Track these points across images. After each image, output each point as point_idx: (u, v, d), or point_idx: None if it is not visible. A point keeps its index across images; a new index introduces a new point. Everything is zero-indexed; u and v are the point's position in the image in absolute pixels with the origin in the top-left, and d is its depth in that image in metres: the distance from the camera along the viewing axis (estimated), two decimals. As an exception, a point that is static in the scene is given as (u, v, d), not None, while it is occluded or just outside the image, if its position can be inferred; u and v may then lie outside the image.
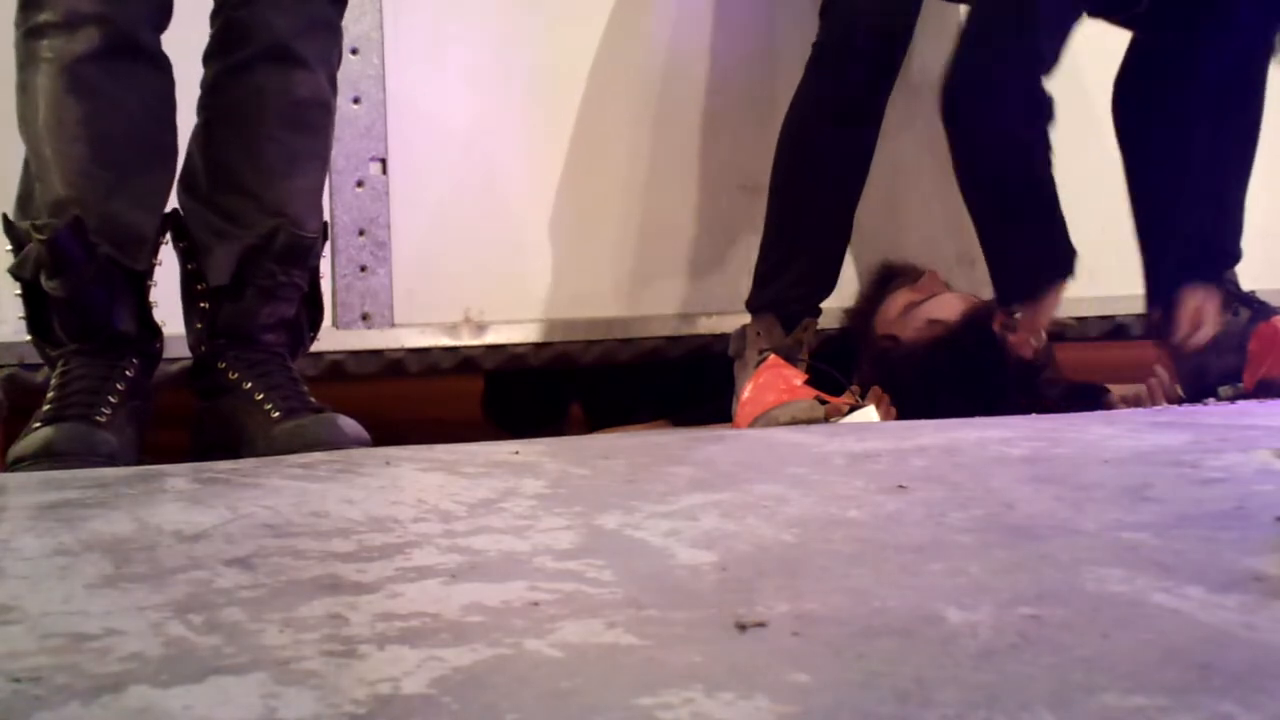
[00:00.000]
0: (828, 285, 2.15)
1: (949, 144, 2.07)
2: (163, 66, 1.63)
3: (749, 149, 2.36)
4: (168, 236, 1.70)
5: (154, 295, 1.67)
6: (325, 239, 1.76)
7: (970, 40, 2.06)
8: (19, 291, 1.64)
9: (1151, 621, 0.73)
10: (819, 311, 2.13)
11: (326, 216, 2.12)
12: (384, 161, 2.21)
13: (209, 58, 1.69)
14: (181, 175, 1.68)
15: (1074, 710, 0.59)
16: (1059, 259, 2.06)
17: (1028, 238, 2.06)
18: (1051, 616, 0.74)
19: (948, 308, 2.28)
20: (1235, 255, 2.38)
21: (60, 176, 1.56)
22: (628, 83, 2.36)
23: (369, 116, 2.20)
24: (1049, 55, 2.04)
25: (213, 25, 1.69)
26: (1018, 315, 2.08)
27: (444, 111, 2.27)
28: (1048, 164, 2.04)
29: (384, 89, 2.21)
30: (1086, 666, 0.65)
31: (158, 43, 1.62)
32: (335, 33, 1.72)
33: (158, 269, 1.68)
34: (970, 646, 0.69)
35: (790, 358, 2.05)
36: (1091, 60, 2.20)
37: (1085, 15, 2.10)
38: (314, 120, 1.70)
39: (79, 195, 1.56)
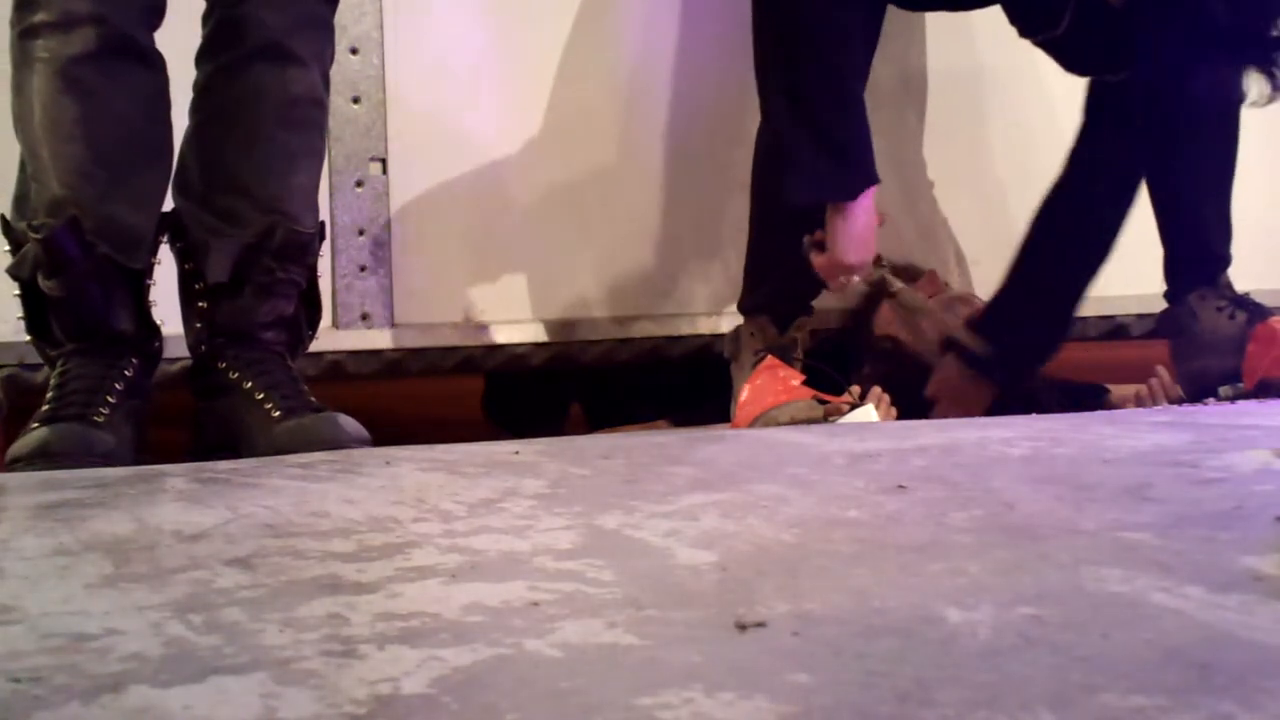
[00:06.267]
0: (818, 283, 2.14)
1: None
2: (157, 65, 1.63)
3: (750, 149, 2.35)
4: (166, 236, 1.69)
5: (153, 295, 1.67)
6: (322, 238, 1.76)
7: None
8: (18, 292, 1.64)
9: (1151, 621, 0.73)
10: (811, 310, 2.13)
11: (326, 216, 2.13)
12: (384, 161, 2.21)
13: (201, 58, 1.69)
14: (175, 177, 1.68)
15: (1074, 710, 0.59)
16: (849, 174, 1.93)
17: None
18: (1051, 616, 0.74)
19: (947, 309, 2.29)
20: (1227, 260, 2.38)
21: (56, 177, 1.56)
22: (628, 83, 2.36)
23: (369, 116, 2.20)
24: None
25: (204, 26, 1.69)
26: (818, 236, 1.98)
27: (444, 111, 2.26)
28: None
29: (384, 89, 2.21)
30: (1086, 666, 0.65)
31: (152, 41, 1.62)
32: (328, 29, 1.72)
33: (157, 269, 1.68)
34: (970, 646, 0.69)
35: (785, 357, 2.04)
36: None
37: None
38: (309, 118, 1.70)
39: (75, 195, 1.56)
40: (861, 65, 1.95)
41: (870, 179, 1.93)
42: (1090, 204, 2.19)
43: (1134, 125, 2.15)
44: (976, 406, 2.19)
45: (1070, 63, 2.15)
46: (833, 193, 1.93)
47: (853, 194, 1.92)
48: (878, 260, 2.09)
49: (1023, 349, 2.23)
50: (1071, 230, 2.20)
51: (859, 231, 1.94)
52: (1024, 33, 2.08)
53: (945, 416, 2.17)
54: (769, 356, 2.03)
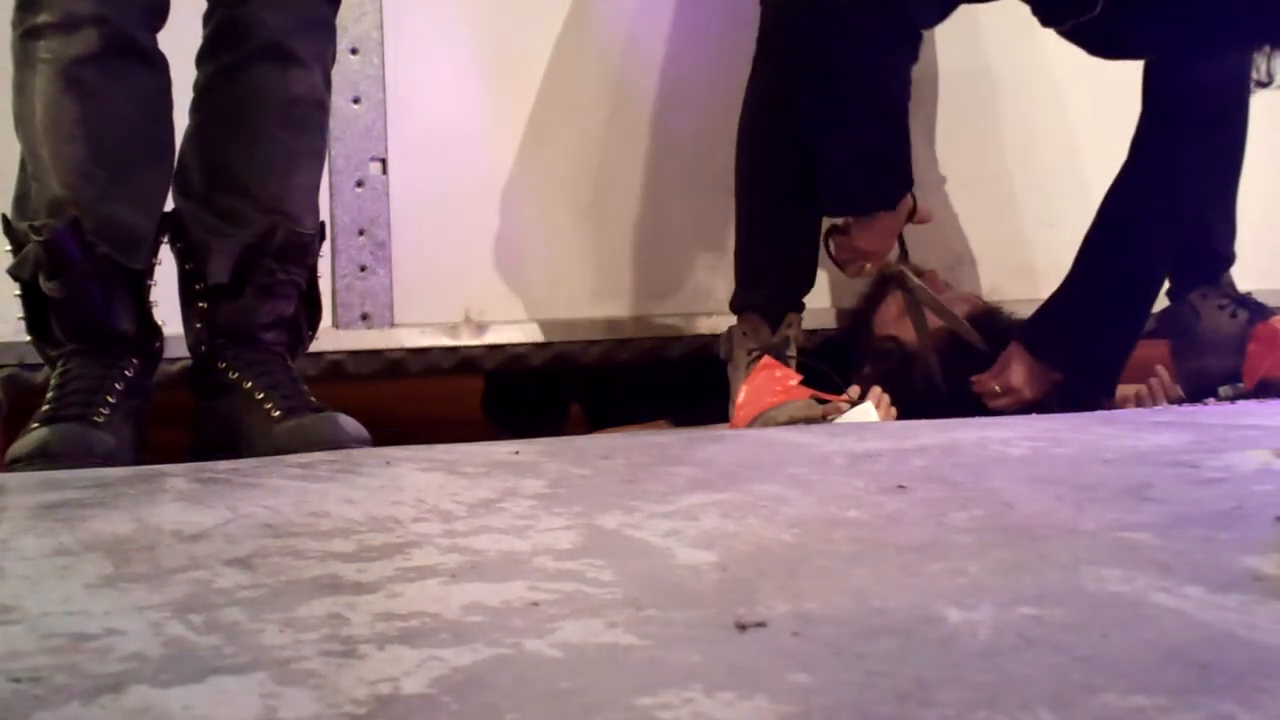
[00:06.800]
0: (807, 279, 2.13)
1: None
2: (160, 66, 1.63)
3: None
4: (167, 236, 1.70)
5: (154, 295, 1.67)
6: (323, 239, 1.76)
7: None
8: (19, 292, 1.64)
9: (1151, 621, 0.73)
10: (802, 306, 2.12)
11: (326, 216, 2.13)
12: (384, 161, 2.21)
13: (203, 58, 1.69)
14: (175, 177, 1.68)
15: (1074, 710, 0.59)
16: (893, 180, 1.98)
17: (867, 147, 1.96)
18: (1051, 616, 0.74)
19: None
20: (1230, 259, 2.38)
21: (57, 177, 1.56)
22: (629, 83, 2.36)
23: (369, 116, 2.20)
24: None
25: (206, 25, 1.69)
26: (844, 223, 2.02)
27: (444, 111, 2.26)
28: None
29: (384, 89, 2.20)
30: (1086, 666, 0.65)
31: (154, 42, 1.62)
32: (330, 30, 1.73)
33: (158, 269, 1.68)
34: (970, 646, 0.69)
35: (779, 355, 2.04)
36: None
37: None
38: (310, 118, 1.70)
39: (76, 195, 1.56)
40: (899, 80, 1.95)
41: (906, 186, 1.98)
42: (1155, 195, 2.16)
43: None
44: (1036, 398, 2.18)
45: (1097, 47, 2.12)
46: (875, 205, 1.99)
47: (892, 204, 1.99)
48: (904, 254, 2.11)
49: (1095, 344, 2.18)
50: (1135, 222, 2.16)
51: (884, 224, 2.00)
52: (1049, 21, 2.05)
53: (1008, 409, 2.15)
54: (765, 356, 2.03)
